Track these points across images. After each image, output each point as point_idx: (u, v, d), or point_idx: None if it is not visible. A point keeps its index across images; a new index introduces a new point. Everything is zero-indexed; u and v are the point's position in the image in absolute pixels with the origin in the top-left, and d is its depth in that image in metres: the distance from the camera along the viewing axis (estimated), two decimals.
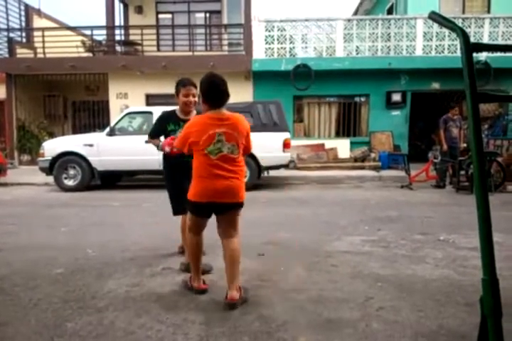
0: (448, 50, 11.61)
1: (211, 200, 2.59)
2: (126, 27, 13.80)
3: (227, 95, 2.62)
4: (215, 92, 2.56)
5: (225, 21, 13.58)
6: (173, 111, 3.43)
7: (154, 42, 12.86)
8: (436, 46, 11.64)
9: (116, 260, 3.57)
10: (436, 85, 11.92)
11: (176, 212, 3.42)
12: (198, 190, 2.60)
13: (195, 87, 3.27)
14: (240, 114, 2.70)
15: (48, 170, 8.19)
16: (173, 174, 3.38)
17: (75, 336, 2.21)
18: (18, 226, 5.02)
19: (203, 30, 13.15)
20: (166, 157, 3.36)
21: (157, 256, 3.63)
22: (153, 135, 3.46)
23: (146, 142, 3.54)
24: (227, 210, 2.67)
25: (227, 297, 2.56)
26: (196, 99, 3.33)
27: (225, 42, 13.04)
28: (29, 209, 6.29)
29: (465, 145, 8.71)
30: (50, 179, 8.38)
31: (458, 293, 2.77)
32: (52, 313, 2.50)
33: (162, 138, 3.41)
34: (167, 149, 3.13)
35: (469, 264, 3.38)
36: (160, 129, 3.42)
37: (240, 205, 2.70)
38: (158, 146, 3.29)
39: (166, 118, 3.41)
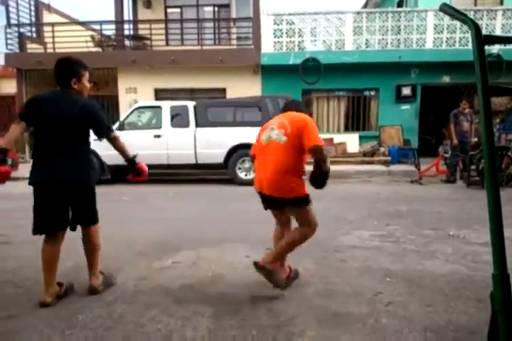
0: (459, 42, 11.44)
1: (262, 192, 2.70)
2: (135, 21, 13.80)
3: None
4: (286, 104, 3.15)
5: (234, 15, 13.51)
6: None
7: (163, 37, 12.84)
8: (447, 39, 11.48)
9: (124, 254, 3.60)
10: (446, 79, 11.76)
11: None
12: (254, 180, 2.78)
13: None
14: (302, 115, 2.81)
15: None
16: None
17: (85, 328, 2.24)
18: (27, 220, 5.07)
19: (211, 24, 13.10)
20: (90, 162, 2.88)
21: (165, 250, 3.65)
22: None
23: (114, 139, 2.82)
24: (281, 205, 2.69)
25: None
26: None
27: (234, 36, 12.98)
28: None
29: (476, 139, 8.60)
30: None
31: (468, 289, 2.75)
32: (63, 306, 2.53)
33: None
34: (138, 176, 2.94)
35: (480, 259, 3.35)
36: None
37: (291, 201, 2.62)
38: (135, 157, 2.91)
39: None
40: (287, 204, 2.66)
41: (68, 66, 2.81)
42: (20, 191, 7.79)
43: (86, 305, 2.54)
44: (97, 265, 2.81)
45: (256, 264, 2.59)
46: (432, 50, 11.36)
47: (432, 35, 11.47)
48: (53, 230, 2.66)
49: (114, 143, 2.77)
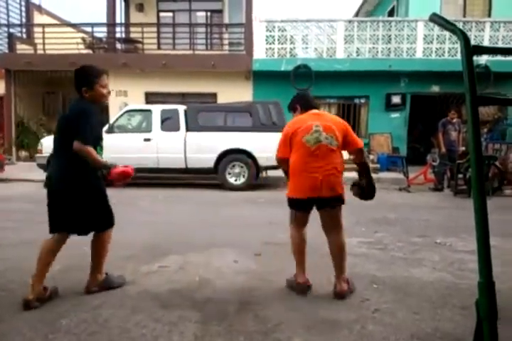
0: (448, 53, 11.63)
1: (311, 195, 2.64)
2: (127, 25, 13.80)
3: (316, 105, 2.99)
4: (306, 100, 3.01)
5: (226, 21, 13.58)
6: (95, 109, 2.82)
7: (155, 41, 12.85)
8: (437, 49, 11.66)
9: (112, 258, 3.54)
10: (436, 88, 11.93)
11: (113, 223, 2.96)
12: (297, 185, 2.68)
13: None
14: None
15: (46, 166, 8.17)
16: (101, 181, 2.86)
17: (69, 333, 2.20)
18: (15, 222, 5.01)
19: (203, 29, 13.15)
20: (87, 168, 2.68)
21: (154, 255, 3.62)
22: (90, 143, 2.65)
23: (78, 150, 2.58)
24: (327, 205, 2.71)
25: (337, 289, 2.70)
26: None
27: (226, 41, 13.04)
28: (27, 205, 6.27)
29: (464, 148, 8.71)
30: None
31: (454, 296, 2.77)
32: (47, 310, 2.49)
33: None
34: (120, 179, 2.73)
35: (466, 267, 3.38)
36: (96, 134, 2.77)
37: (339, 199, 2.71)
38: (110, 165, 2.70)
39: (98, 116, 2.86)
40: (335, 203, 2.74)
41: (79, 75, 2.77)
42: (8, 193, 7.68)
43: (71, 309, 2.51)
44: (102, 261, 2.91)
45: (341, 296, 2.68)
46: (422, 60, 11.52)
47: (421, 45, 11.64)
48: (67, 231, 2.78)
49: (78, 153, 2.57)
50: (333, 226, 2.78)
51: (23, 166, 11.79)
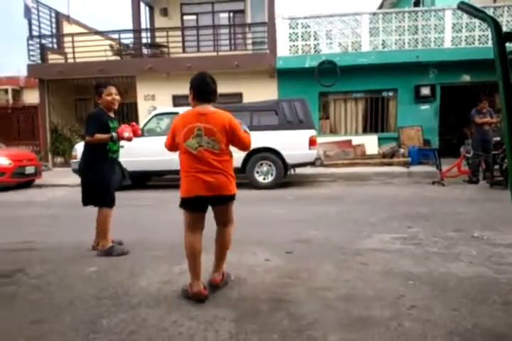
0: (478, 41, 11.25)
1: (199, 194, 2.63)
2: (152, 30, 14.04)
3: (213, 92, 2.72)
4: (201, 88, 2.68)
5: (249, 20, 13.61)
6: (101, 111, 3.76)
7: (180, 44, 13.02)
8: (466, 37, 11.30)
9: (146, 258, 3.64)
10: (466, 77, 11.57)
11: (113, 204, 3.82)
12: (186, 185, 2.67)
13: (114, 86, 3.77)
14: (227, 112, 2.78)
15: None
16: (108, 170, 3.78)
17: (110, 333, 2.27)
18: (52, 227, 5.20)
19: (227, 30, 13.22)
20: (98, 156, 3.72)
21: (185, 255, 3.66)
22: (95, 133, 3.66)
23: (89, 142, 3.73)
24: (218, 203, 2.74)
25: (210, 279, 2.84)
26: (119, 97, 3.78)
27: (249, 41, 13.06)
28: (63, 210, 6.50)
29: (498, 138, 8.42)
30: None
31: (494, 292, 2.68)
32: (87, 311, 2.57)
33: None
34: (126, 135, 3.63)
35: (505, 262, 3.26)
36: (101, 127, 3.66)
37: (228, 198, 2.74)
38: (112, 137, 3.64)
39: (103, 117, 3.72)
40: (225, 201, 2.82)
41: (94, 87, 3.80)
42: (45, 198, 7.99)
43: (110, 309, 2.58)
44: (100, 233, 3.78)
45: (214, 286, 2.81)
46: (451, 49, 11.19)
47: (450, 34, 11.31)
48: None
49: (91, 143, 3.72)
50: (223, 221, 2.84)
51: (59, 172, 12.22)
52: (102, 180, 3.75)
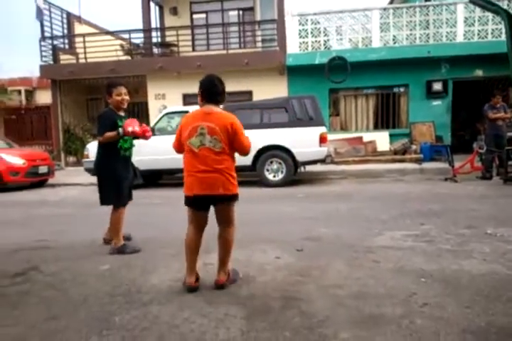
0: (492, 34, 11.07)
1: (198, 193, 2.70)
2: (162, 29, 14.08)
3: (221, 93, 2.79)
4: (209, 90, 2.76)
5: (258, 18, 13.58)
6: (110, 111, 3.86)
7: (189, 43, 13.05)
8: (479, 31, 11.13)
9: (158, 256, 3.67)
10: (479, 72, 11.41)
11: (126, 203, 3.93)
12: (187, 184, 2.75)
13: (125, 86, 3.85)
14: (230, 113, 2.85)
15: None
16: (121, 169, 3.85)
17: (122, 329, 2.30)
18: (66, 225, 5.27)
19: (236, 28, 13.21)
20: (111, 154, 3.81)
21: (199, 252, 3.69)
22: (105, 132, 3.74)
23: (100, 141, 3.84)
24: (218, 202, 2.77)
25: (216, 280, 2.83)
26: (128, 97, 3.87)
27: (259, 38, 13.04)
28: (76, 208, 6.58)
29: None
30: (96, 179, 8.69)
31: (508, 289, 2.65)
32: (101, 307, 2.61)
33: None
34: (130, 129, 3.62)
35: None
36: (111, 127, 3.74)
37: (228, 198, 2.76)
38: (119, 133, 3.68)
39: (112, 116, 3.80)
40: (225, 201, 2.84)
41: (105, 87, 3.92)
42: (58, 197, 8.09)
43: (122, 306, 2.61)
44: (113, 231, 3.89)
45: (219, 286, 2.82)
46: (463, 44, 11.04)
47: (462, 28, 11.16)
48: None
49: (103, 142, 3.79)
50: (223, 222, 2.85)
51: (72, 171, 12.37)
52: (115, 179, 3.82)
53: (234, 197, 2.80)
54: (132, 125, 3.68)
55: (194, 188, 2.71)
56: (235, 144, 2.75)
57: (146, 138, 3.88)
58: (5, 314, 2.57)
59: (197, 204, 2.78)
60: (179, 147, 2.85)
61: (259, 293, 2.73)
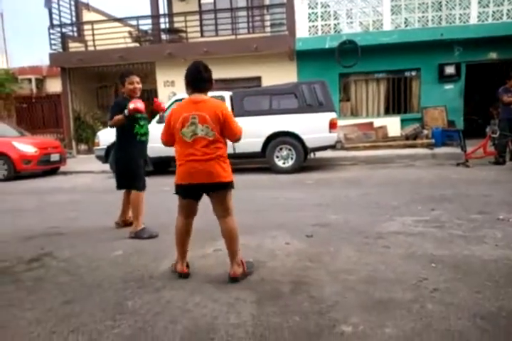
0: (507, 15, 10.77)
1: (192, 182, 2.68)
2: (170, 15, 13.95)
3: (206, 80, 2.76)
4: (194, 77, 2.75)
5: (267, 2, 13.36)
6: (123, 99, 4.00)
7: (198, 29, 12.92)
8: (494, 12, 10.83)
9: (169, 242, 3.70)
10: (493, 55, 11.14)
11: (145, 187, 4.08)
12: (179, 172, 2.73)
13: (137, 75, 4.00)
14: (220, 101, 2.84)
15: (104, 158, 8.58)
16: (138, 154, 4.04)
17: (135, 314, 2.34)
18: (78, 212, 5.35)
19: (244, 13, 13.02)
20: (128, 140, 3.96)
21: (207, 239, 3.71)
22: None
23: (111, 126, 4.01)
24: (212, 191, 2.75)
25: (230, 272, 2.75)
26: (141, 85, 4.01)
27: (268, 23, 12.85)
28: (88, 195, 6.66)
29: None
30: (107, 166, 8.79)
31: None
32: (114, 292, 2.66)
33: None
34: (131, 106, 3.69)
35: None
36: (120, 112, 3.84)
37: (223, 186, 2.73)
38: (125, 114, 3.77)
39: (123, 102, 3.89)
40: (220, 189, 2.81)
41: (119, 76, 4.06)
42: (70, 185, 8.19)
43: (135, 291, 2.66)
44: (134, 215, 4.03)
45: (234, 279, 2.74)
46: (477, 26, 10.77)
47: (476, 10, 10.86)
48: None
49: (114, 127, 3.99)
50: (220, 212, 2.81)
51: (83, 159, 12.49)
52: (133, 164, 3.99)
53: (230, 185, 2.77)
54: (134, 102, 3.74)
55: (188, 177, 2.69)
56: (226, 131, 2.72)
57: (160, 110, 4.28)
58: (21, 298, 2.64)
59: (190, 193, 2.77)
60: (168, 139, 2.82)
61: (269, 278, 2.75)
